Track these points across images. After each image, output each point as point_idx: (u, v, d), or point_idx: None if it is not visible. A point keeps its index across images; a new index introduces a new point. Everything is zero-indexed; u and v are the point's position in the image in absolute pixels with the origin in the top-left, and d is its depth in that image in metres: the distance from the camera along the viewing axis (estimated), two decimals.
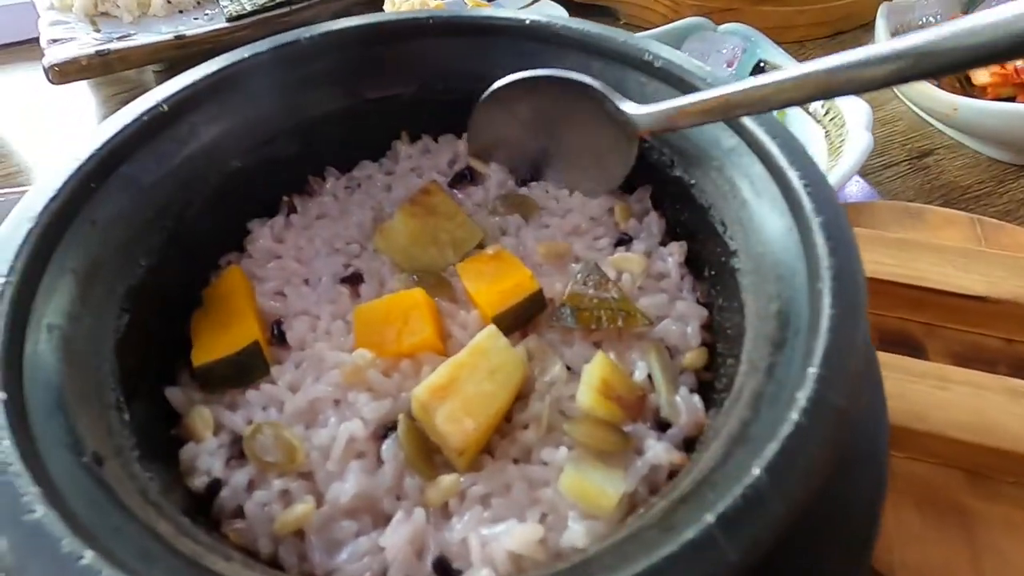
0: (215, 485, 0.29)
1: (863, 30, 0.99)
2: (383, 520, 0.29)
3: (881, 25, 0.82)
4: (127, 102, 0.94)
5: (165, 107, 0.35)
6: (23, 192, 0.62)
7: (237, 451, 0.30)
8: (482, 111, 0.43)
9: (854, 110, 0.66)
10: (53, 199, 0.29)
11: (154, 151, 0.35)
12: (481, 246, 0.40)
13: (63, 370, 0.25)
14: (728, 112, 0.32)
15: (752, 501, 0.19)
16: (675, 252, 0.38)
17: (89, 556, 0.18)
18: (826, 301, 0.24)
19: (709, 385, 0.34)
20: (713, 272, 0.36)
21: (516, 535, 0.26)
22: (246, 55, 0.39)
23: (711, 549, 0.18)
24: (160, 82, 0.99)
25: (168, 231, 0.35)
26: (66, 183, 0.30)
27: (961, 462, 0.41)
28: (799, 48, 0.97)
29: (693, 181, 0.38)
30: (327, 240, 0.41)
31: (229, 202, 0.40)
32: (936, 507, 0.40)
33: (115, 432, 0.26)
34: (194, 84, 0.37)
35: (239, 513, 0.28)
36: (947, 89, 0.76)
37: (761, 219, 0.32)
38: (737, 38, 0.81)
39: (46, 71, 0.80)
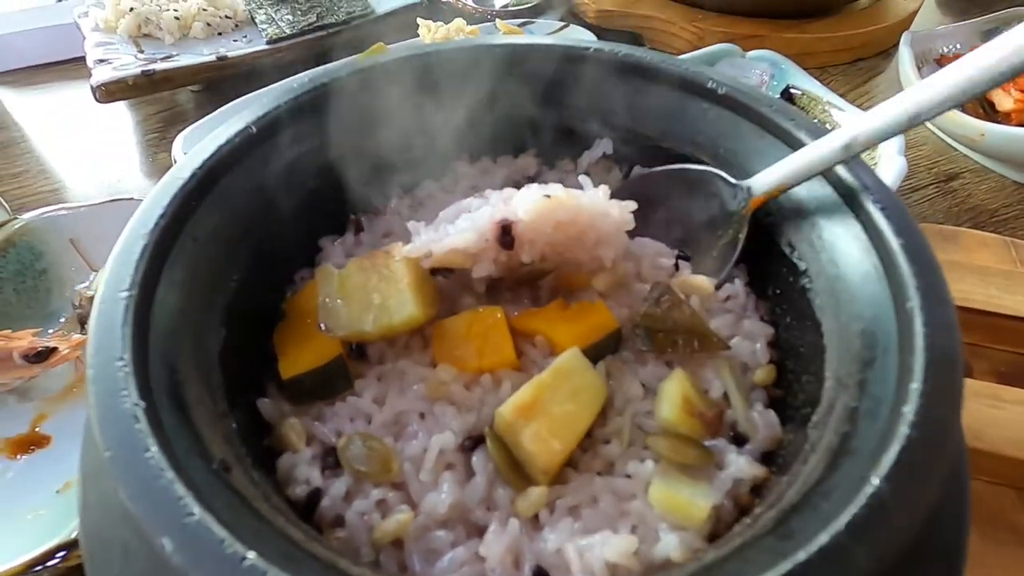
0: (315, 494, 0.29)
1: (882, 57, 1.02)
2: (475, 530, 0.29)
3: (905, 53, 0.85)
4: (167, 121, 0.97)
5: (254, 128, 0.37)
6: (74, 208, 0.64)
7: (331, 461, 0.31)
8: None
9: None
10: (162, 216, 0.30)
11: (243, 171, 0.36)
12: (418, 328, 0.36)
13: (181, 381, 0.27)
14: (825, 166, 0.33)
15: (876, 510, 0.20)
16: (740, 273, 0.39)
17: (252, 556, 0.19)
18: (918, 320, 0.25)
19: (781, 401, 0.35)
20: (778, 291, 0.38)
21: (613, 545, 0.27)
22: (325, 80, 0.40)
23: (844, 555, 0.19)
24: (198, 102, 1.01)
25: (253, 248, 0.37)
26: (172, 201, 0.31)
27: (1015, 480, 0.42)
28: (820, 73, 0.99)
29: None
30: None
31: (303, 220, 0.41)
32: (993, 526, 0.40)
33: (231, 441, 0.26)
34: (278, 108, 0.38)
35: (339, 521, 0.29)
36: (971, 115, 0.78)
37: (833, 241, 0.33)
38: (765, 64, 0.83)
39: (93, 90, 0.82)
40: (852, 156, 0.32)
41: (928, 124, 0.85)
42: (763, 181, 0.37)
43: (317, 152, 0.41)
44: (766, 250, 0.38)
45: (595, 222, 0.35)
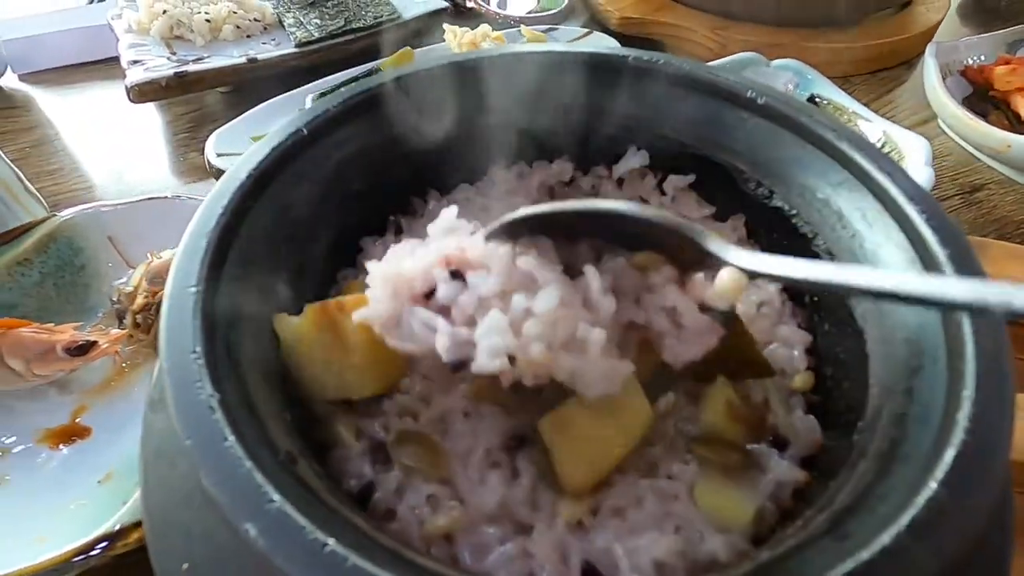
0: (368, 487, 0.30)
1: (904, 67, 1.02)
2: (521, 527, 0.30)
3: (931, 64, 0.85)
4: (197, 121, 0.98)
5: (305, 131, 0.38)
6: (112, 206, 0.65)
7: (382, 456, 0.32)
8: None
9: (914, 146, 0.68)
10: (222, 215, 0.31)
11: (294, 172, 0.37)
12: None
13: (244, 376, 0.27)
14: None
15: (935, 513, 0.20)
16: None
17: (332, 543, 0.19)
18: (967, 328, 0.26)
19: (819, 407, 0.35)
20: (815, 299, 0.38)
21: (662, 545, 0.27)
22: (374, 84, 0.41)
23: (906, 555, 0.19)
24: (227, 103, 1.03)
25: (301, 247, 0.38)
26: (230, 201, 0.32)
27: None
28: (843, 83, 0.99)
29: (795, 211, 0.39)
30: None
31: (347, 221, 0.42)
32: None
33: (291, 434, 0.27)
34: (327, 111, 0.39)
35: (391, 515, 0.30)
36: (997, 125, 0.78)
37: (875, 250, 0.33)
38: (790, 72, 0.83)
39: (128, 91, 0.84)
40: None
41: (952, 135, 0.85)
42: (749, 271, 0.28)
43: (362, 154, 0.42)
44: (803, 258, 0.39)
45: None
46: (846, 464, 0.27)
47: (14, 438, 0.51)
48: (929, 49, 0.87)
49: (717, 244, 0.28)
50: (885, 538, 0.19)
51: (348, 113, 0.40)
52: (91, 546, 0.41)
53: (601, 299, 0.29)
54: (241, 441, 0.22)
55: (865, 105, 0.83)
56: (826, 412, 0.34)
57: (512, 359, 0.27)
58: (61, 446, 0.51)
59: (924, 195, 0.32)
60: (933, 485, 0.21)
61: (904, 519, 0.20)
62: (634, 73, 0.44)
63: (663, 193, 0.48)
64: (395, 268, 0.29)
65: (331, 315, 0.31)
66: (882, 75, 1.01)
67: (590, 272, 0.30)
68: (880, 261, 0.33)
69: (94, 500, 0.46)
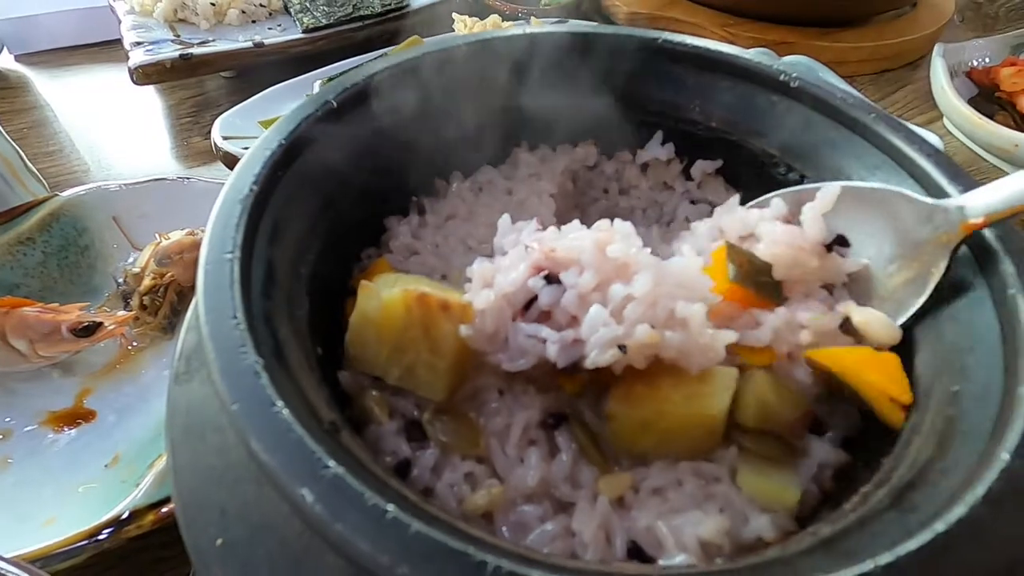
0: (405, 464, 0.29)
1: (909, 68, 1.03)
2: (561, 506, 0.29)
3: (939, 64, 0.85)
4: (200, 106, 0.97)
5: (334, 103, 0.37)
6: (117, 186, 0.64)
7: (417, 434, 0.31)
8: None
9: None
10: (254, 182, 0.30)
11: (323, 144, 0.36)
12: (452, 411, 0.31)
13: (282, 344, 0.26)
14: None
15: (1010, 482, 0.20)
16: None
17: (392, 508, 0.19)
18: (1021, 305, 0.25)
19: None
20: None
21: (708, 524, 0.27)
22: (401, 60, 0.40)
23: (983, 526, 0.19)
24: (229, 88, 1.01)
25: (330, 221, 0.37)
26: (261, 169, 0.31)
27: None
28: (849, 83, 1.00)
29: None
30: (461, 239, 0.43)
31: (371, 198, 0.41)
32: None
33: (331, 406, 0.26)
34: (356, 85, 0.38)
35: (428, 492, 0.29)
36: (1003, 126, 0.79)
37: None
38: (801, 69, 0.83)
39: (131, 72, 0.82)
40: None
41: (959, 134, 0.86)
42: (984, 200, 0.28)
43: (388, 132, 0.41)
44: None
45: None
46: (898, 442, 0.26)
47: (17, 420, 0.49)
48: (937, 50, 0.88)
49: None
50: (960, 509, 0.19)
51: (375, 89, 0.39)
52: (101, 528, 0.39)
53: (697, 277, 0.29)
54: (288, 406, 0.21)
55: (874, 103, 0.83)
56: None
57: (623, 347, 0.27)
58: (66, 429, 0.49)
59: (965, 176, 0.32)
60: (1005, 456, 0.20)
61: (979, 489, 0.20)
62: (662, 55, 0.44)
63: (689, 178, 0.47)
64: (495, 289, 0.30)
65: (431, 310, 0.30)
66: (887, 75, 1.02)
67: (686, 250, 0.31)
68: None
69: (102, 483, 0.45)
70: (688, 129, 0.46)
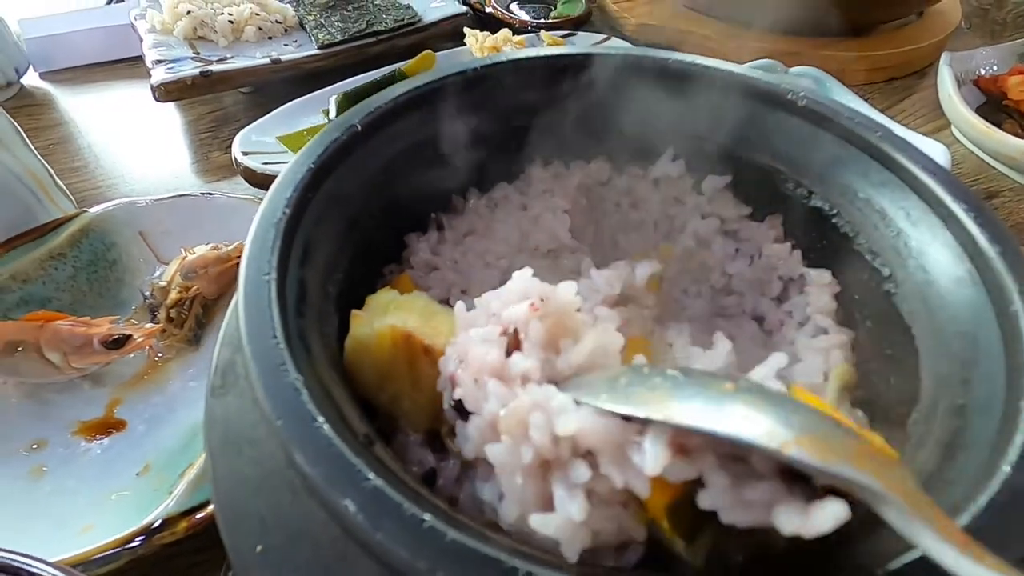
0: (431, 474, 0.31)
1: (915, 77, 1.04)
2: None
3: (946, 73, 0.86)
4: (219, 121, 0.99)
5: (359, 127, 0.38)
6: (143, 202, 0.66)
7: (440, 444, 0.32)
8: None
9: (933, 152, 0.69)
10: (287, 206, 0.32)
11: (348, 167, 0.38)
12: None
13: (315, 362, 0.28)
14: None
15: (1012, 494, 0.21)
16: (827, 280, 0.40)
17: (430, 518, 0.20)
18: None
19: (864, 401, 0.36)
20: (857, 296, 0.39)
21: None
22: (423, 83, 0.42)
23: (985, 537, 0.20)
24: (247, 104, 1.03)
25: (356, 240, 0.38)
26: (293, 193, 0.33)
27: None
28: (856, 92, 1.01)
29: (835, 211, 0.40)
30: (479, 254, 0.44)
31: (393, 217, 0.43)
32: None
33: (363, 419, 0.28)
34: (380, 107, 0.40)
35: (453, 502, 0.30)
36: (1011, 134, 0.79)
37: (921, 247, 0.34)
38: (809, 80, 0.85)
39: (153, 90, 0.85)
40: None
41: (967, 143, 0.87)
42: None
43: (410, 153, 0.43)
44: (845, 258, 0.40)
45: None
46: (904, 454, 0.27)
47: (51, 430, 0.51)
48: (944, 58, 0.88)
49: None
50: (964, 519, 0.20)
51: (399, 110, 0.41)
52: (136, 535, 0.41)
53: None
54: (329, 421, 0.23)
55: (882, 112, 0.84)
56: (872, 406, 0.35)
57: None
58: (98, 438, 0.51)
59: (970, 195, 0.33)
60: (1006, 469, 0.21)
61: (981, 501, 0.21)
62: (673, 75, 0.45)
63: (700, 193, 0.48)
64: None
65: (414, 350, 0.31)
66: (894, 84, 1.02)
67: None
68: (927, 258, 0.34)
69: (134, 491, 0.47)
70: (699, 145, 0.47)
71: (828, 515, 0.20)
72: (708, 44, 1.04)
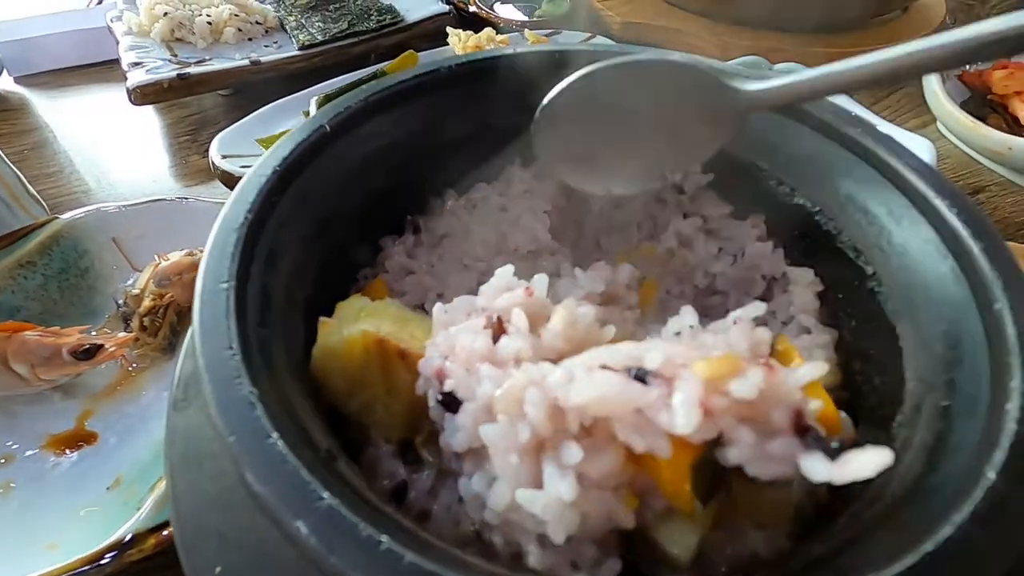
0: (402, 487, 0.30)
1: None
2: None
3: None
4: (198, 124, 0.97)
5: (328, 127, 0.37)
6: (116, 208, 0.64)
7: (412, 455, 0.31)
8: (557, 102, 0.40)
9: (918, 148, 0.69)
10: (249, 211, 0.31)
11: (318, 168, 0.37)
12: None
13: (279, 373, 0.27)
14: (844, 85, 0.33)
15: (996, 503, 0.20)
16: (810, 279, 0.39)
17: (386, 540, 0.19)
18: (1007, 320, 0.26)
19: (847, 403, 0.35)
20: (840, 295, 0.38)
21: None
22: (396, 81, 0.41)
23: (971, 545, 0.19)
24: (227, 107, 1.02)
25: (326, 244, 0.37)
26: (256, 197, 0.32)
27: None
28: None
29: (818, 208, 0.40)
30: (456, 257, 0.43)
31: (366, 219, 0.42)
32: None
33: (326, 433, 0.27)
34: (349, 107, 0.39)
35: (426, 516, 0.29)
36: (995, 129, 0.79)
37: (904, 245, 0.33)
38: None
39: (129, 92, 0.83)
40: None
41: (953, 138, 0.86)
42: (767, 91, 0.35)
43: (382, 153, 0.41)
44: (828, 256, 0.39)
45: None
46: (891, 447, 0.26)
47: (19, 444, 0.50)
48: None
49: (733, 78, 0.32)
50: (948, 529, 0.19)
51: (370, 110, 0.40)
52: (104, 553, 0.40)
53: None
54: (284, 437, 0.22)
55: (867, 108, 0.84)
56: (856, 408, 0.34)
57: None
58: (68, 451, 0.49)
59: (953, 190, 0.32)
60: (991, 475, 0.21)
61: (966, 509, 0.20)
62: (658, 74, 0.44)
63: (682, 191, 0.48)
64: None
65: (389, 356, 0.30)
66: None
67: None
68: (910, 255, 0.33)
69: (104, 506, 0.45)
70: None
71: (870, 461, 0.21)
72: (694, 42, 1.03)
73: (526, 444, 0.24)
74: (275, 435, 0.22)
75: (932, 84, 0.85)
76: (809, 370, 0.25)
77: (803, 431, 0.23)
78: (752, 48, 0.97)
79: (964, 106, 0.85)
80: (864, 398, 0.34)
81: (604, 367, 0.25)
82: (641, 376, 0.24)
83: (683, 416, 0.22)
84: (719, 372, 0.23)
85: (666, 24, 1.04)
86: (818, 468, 0.22)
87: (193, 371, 0.31)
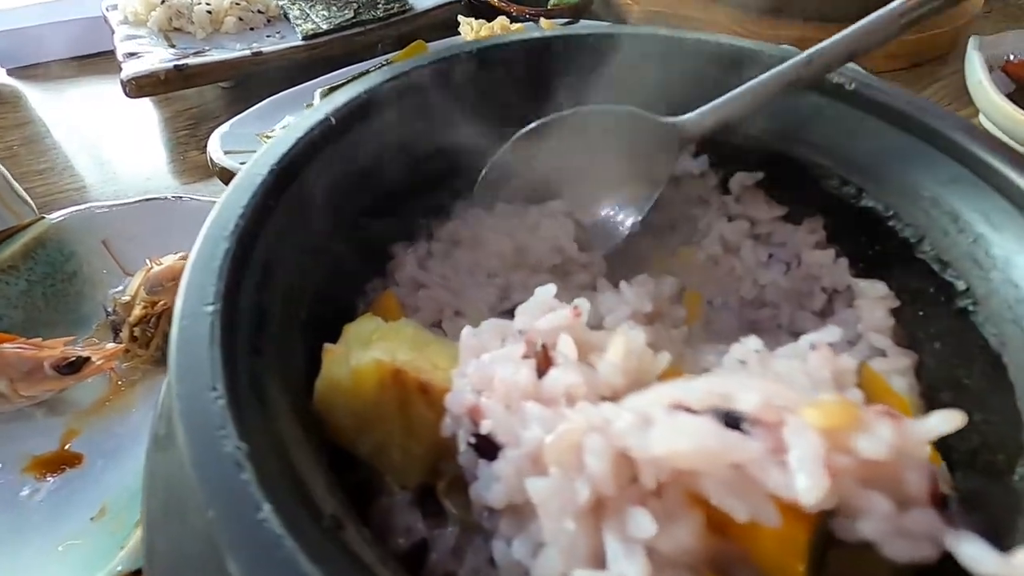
0: (422, 546, 0.25)
1: (938, 62, 0.98)
2: None
3: (975, 57, 0.80)
4: (197, 118, 0.93)
5: (332, 120, 0.33)
6: (107, 207, 0.60)
7: (432, 506, 0.26)
8: (503, 160, 0.39)
9: None
10: (241, 216, 0.26)
11: (320, 166, 0.32)
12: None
13: (274, 414, 0.22)
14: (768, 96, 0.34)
15: None
16: (883, 292, 0.34)
17: None
18: None
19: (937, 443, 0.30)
20: (921, 313, 0.33)
21: None
22: (406, 68, 0.36)
23: None
24: (227, 99, 0.97)
25: (330, 256, 0.32)
26: (250, 200, 0.27)
27: None
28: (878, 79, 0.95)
29: (891, 212, 0.35)
30: (469, 269, 0.38)
31: (374, 225, 0.37)
32: None
33: (333, 490, 0.22)
34: (357, 97, 0.34)
35: None
36: None
37: (1008, 256, 0.28)
38: None
39: (124, 84, 0.79)
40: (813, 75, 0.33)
41: (997, 131, 0.81)
42: (696, 120, 0.36)
43: (392, 149, 0.37)
44: (904, 267, 0.34)
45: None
46: (1017, 512, 0.22)
47: None
48: (973, 43, 0.83)
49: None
50: None
51: (379, 100, 0.35)
52: None
53: None
54: (279, 510, 0.17)
55: None
56: (947, 448, 0.29)
57: None
58: (49, 476, 0.45)
59: None
60: None
61: None
62: (690, 56, 0.40)
63: (727, 192, 0.43)
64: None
65: (407, 389, 0.25)
66: (915, 71, 0.97)
67: None
68: (1017, 270, 0.28)
69: (87, 540, 0.41)
70: (724, 138, 0.41)
71: None
72: (716, 31, 0.98)
73: (584, 505, 0.19)
74: (267, 507, 0.17)
75: (977, 74, 0.79)
76: (940, 422, 0.20)
77: (941, 502, 0.18)
78: (776, 38, 0.91)
79: (1009, 98, 0.79)
80: (961, 439, 0.29)
81: (680, 406, 0.20)
82: (734, 422, 0.19)
83: (807, 478, 0.17)
84: (838, 422, 0.18)
85: (688, 12, 0.99)
86: (984, 560, 0.17)
87: None
